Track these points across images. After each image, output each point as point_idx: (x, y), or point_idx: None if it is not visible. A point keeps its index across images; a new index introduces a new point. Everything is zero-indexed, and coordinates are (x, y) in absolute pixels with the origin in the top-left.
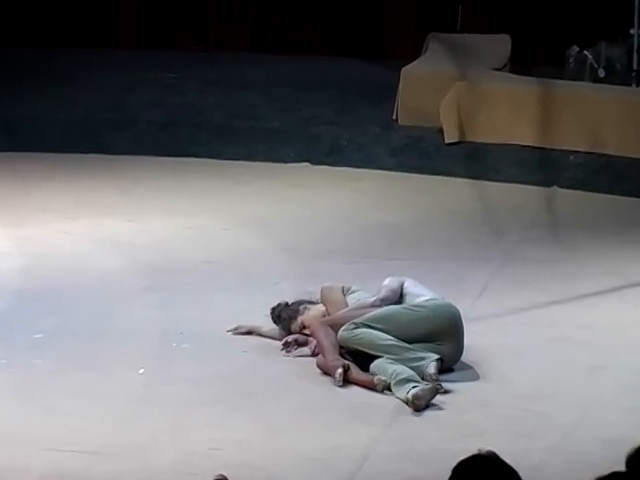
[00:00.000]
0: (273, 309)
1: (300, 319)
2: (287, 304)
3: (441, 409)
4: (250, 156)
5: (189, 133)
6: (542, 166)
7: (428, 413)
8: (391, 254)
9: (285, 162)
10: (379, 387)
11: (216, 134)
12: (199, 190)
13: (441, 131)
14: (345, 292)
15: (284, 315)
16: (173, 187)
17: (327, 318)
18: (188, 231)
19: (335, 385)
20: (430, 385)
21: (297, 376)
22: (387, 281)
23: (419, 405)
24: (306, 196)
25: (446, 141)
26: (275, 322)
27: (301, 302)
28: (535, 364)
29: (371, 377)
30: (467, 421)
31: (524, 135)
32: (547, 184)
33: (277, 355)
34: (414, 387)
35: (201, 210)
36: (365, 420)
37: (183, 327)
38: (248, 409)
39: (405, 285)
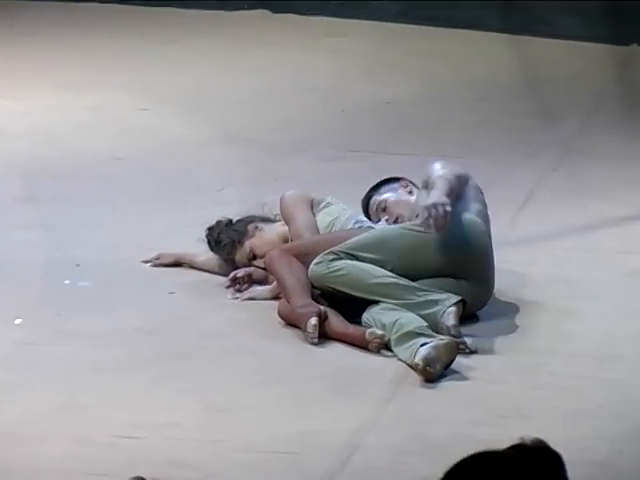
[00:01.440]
0: (210, 230)
1: (248, 244)
2: (230, 222)
3: (464, 378)
4: (185, 3)
5: None
6: (616, 15)
7: (444, 384)
8: (391, 146)
9: (234, 9)
10: (373, 345)
11: None
12: (106, 49)
13: None
14: (315, 206)
15: (225, 239)
16: (66, 46)
17: (291, 244)
18: (87, 113)
19: (307, 342)
20: (448, 341)
21: (250, 329)
22: (438, 166)
23: (432, 372)
24: (264, 60)
25: None
26: (213, 249)
27: (251, 219)
28: (604, 310)
29: (362, 330)
30: (501, 395)
31: None
32: (623, 41)
33: (220, 298)
34: (424, 344)
35: (107, 82)
36: (353, 394)
37: (79, 256)
38: (177, 379)
39: (469, 183)
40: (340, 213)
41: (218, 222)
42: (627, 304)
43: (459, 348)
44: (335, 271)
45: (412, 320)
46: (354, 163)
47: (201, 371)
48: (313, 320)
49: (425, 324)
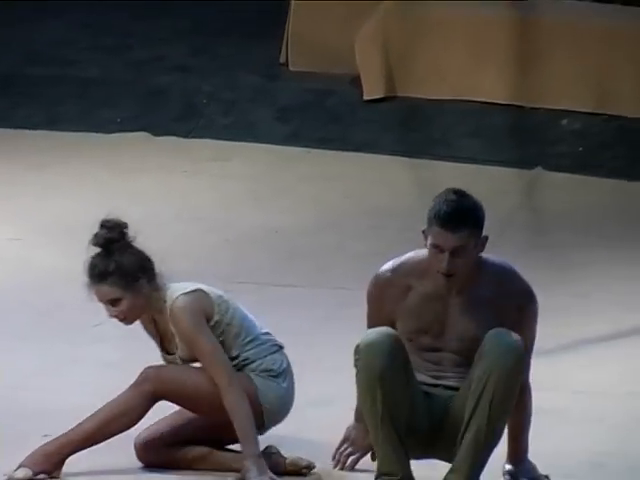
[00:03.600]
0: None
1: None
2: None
3: None
4: (52, 122)
5: None
6: (518, 136)
7: None
8: (279, 277)
9: (110, 132)
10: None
11: None
12: None
13: (358, 80)
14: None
15: None
16: None
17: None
18: None
19: None
20: None
21: None
22: None
23: None
24: (144, 186)
25: (366, 96)
26: None
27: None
28: None
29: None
30: None
31: (490, 87)
32: (527, 164)
33: None
34: None
35: None
36: None
37: None
38: None
39: None
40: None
41: None
42: None
43: None
44: None
45: None
46: (239, 295)
47: None
48: None
49: None
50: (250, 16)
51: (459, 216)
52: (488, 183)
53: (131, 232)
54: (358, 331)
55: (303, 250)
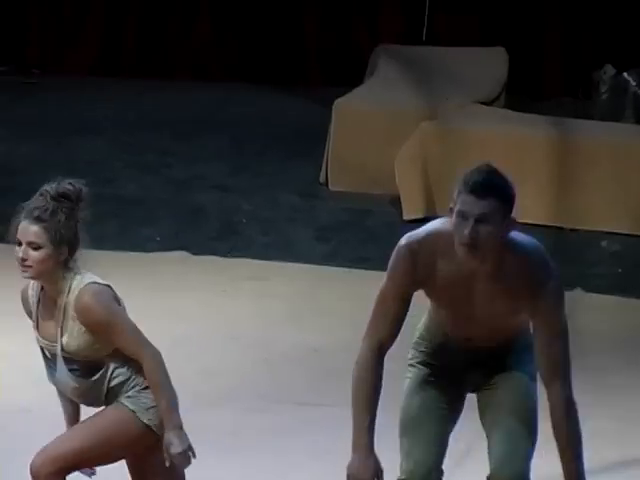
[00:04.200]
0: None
1: None
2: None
3: None
4: (91, 240)
5: None
6: (558, 257)
7: None
8: (318, 397)
9: (149, 250)
10: None
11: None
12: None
13: (398, 201)
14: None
15: None
16: None
17: None
18: (3, 360)
19: None
20: None
21: None
22: None
23: None
24: (182, 305)
25: (405, 217)
26: None
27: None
28: None
29: None
30: None
31: (529, 208)
32: (566, 285)
33: None
34: None
35: (16, 329)
36: None
37: None
38: None
39: None
40: None
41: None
42: None
43: None
44: None
45: None
46: (278, 415)
47: None
48: None
49: None
50: (290, 135)
51: (489, 185)
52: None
53: (83, 214)
54: (398, 449)
55: (341, 370)
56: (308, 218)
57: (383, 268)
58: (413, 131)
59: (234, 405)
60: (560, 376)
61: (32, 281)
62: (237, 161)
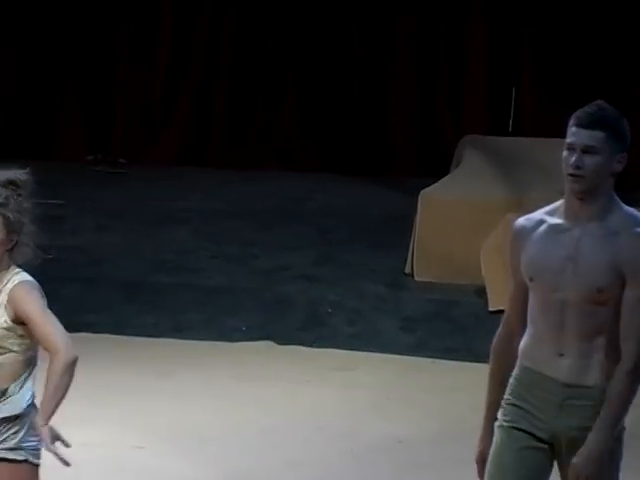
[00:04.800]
0: None
1: None
2: None
3: None
4: (175, 330)
5: (79, 293)
6: None
7: None
8: None
9: (235, 340)
10: None
11: (123, 295)
12: (98, 382)
13: (483, 292)
14: None
15: None
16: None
17: None
18: (78, 450)
19: None
20: None
21: None
22: None
23: None
24: (268, 395)
25: (491, 308)
26: None
27: None
28: None
29: None
30: None
31: None
32: None
33: None
34: None
35: (99, 416)
36: None
37: None
38: None
39: None
40: None
41: None
42: None
43: None
44: None
45: None
46: None
47: None
48: None
49: None
50: (375, 225)
51: (598, 117)
52: None
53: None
54: None
55: (427, 462)
56: (394, 308)
57: (469, 359)
58: (499, 221)
59: None
60: (635, 337)
61: None
62: (323, 251)
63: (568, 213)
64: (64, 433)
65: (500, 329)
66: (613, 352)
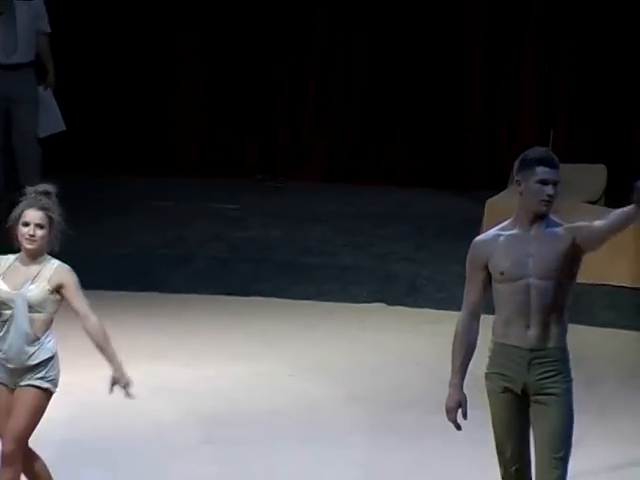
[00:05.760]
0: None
1: None
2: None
3: None
4: (319, 295)
5: (252, 270)
6: None
7: None
8: (482, 406)
9: (357, 302)
10: None
11: (282, 271)
12: (262, 332)
13: None
14: None
15: None
16: (234, 329)
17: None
18: (250, 378)
19: None
20: None
21: None
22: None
23: None
24: (381, 340)
25: None
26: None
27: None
28: None
29: None
30: None
31: (621, 275)
32: None
33: None
34: None
35: (264, 354)
36: None
37: None
38: None
39: None
40: None
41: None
42: None
43: None
44: None
45: None
46: None
47: None
48: None
49: None
50: (456, 225)
51: (555, 160)
52: (618, 342)
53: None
54: None
55: None
56: None
57: None
58: None
59: (418, 409)
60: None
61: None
62: (419, 242)
63: (523, 225)
64: (243, 365)
65: (463, 315)
66: (564, 320)
